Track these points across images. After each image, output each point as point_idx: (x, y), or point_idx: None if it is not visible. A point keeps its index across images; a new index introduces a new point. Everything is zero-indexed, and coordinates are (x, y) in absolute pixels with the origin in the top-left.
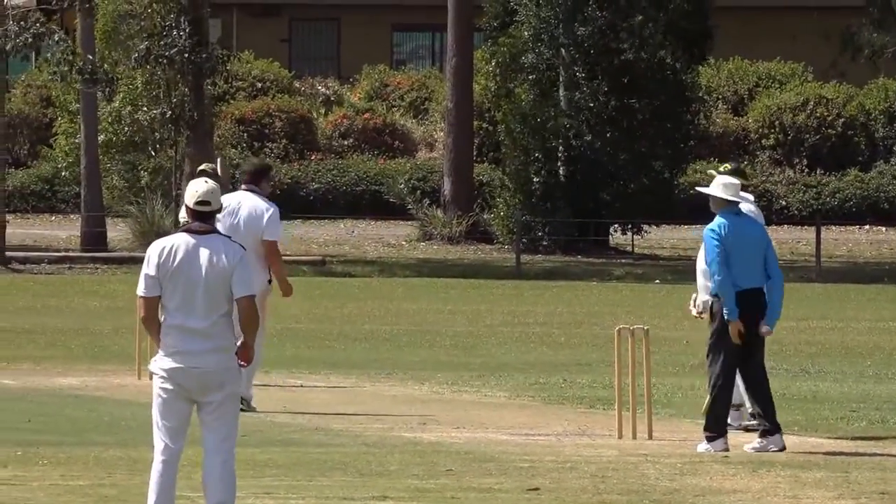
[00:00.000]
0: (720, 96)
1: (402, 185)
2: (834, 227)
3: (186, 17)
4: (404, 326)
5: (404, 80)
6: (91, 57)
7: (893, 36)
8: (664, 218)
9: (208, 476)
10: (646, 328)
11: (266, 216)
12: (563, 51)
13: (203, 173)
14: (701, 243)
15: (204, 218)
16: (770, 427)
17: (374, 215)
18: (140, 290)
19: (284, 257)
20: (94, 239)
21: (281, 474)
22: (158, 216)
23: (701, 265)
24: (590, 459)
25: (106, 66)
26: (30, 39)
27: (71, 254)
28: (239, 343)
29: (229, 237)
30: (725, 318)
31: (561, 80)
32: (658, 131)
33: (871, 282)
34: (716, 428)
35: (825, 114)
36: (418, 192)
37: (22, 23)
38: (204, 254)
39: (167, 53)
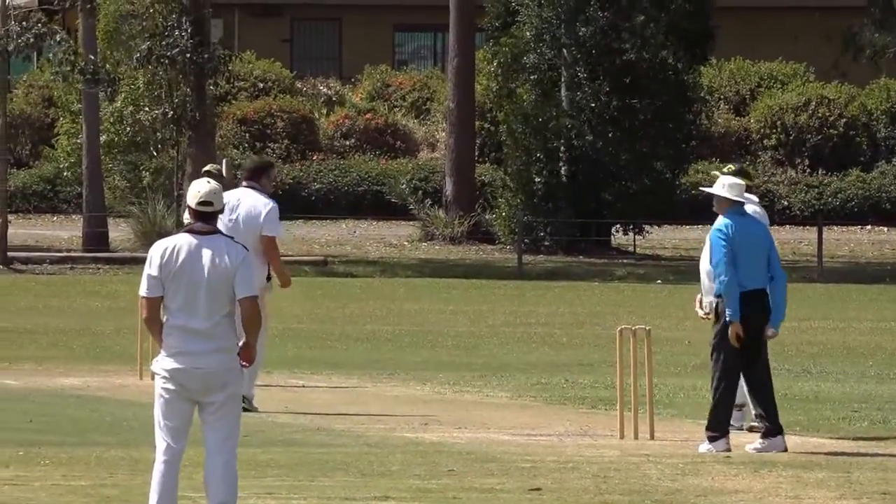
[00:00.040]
0: (722, 96)
1: (404, 186)
2: (836, 228)
3: (188, 18)
4: (406, 327)
5: (406, 80)
6: (93, 57)
7: (895, 36)
8: (666, 218)
9: (210, 476)
10: (647, 328)
11: (264, 212)
12: (564, 51)
13: (208, 174)
14: (703, 244)
15: (206, 218)
16: (772, 428)
17: (375, 215)
18: (142, 290)
19: (286, 257)
20: (96, 239)
21: (283, 474)
22: (160, 216)
23: (705, 266)
24: (592, 460)
25: (108, 66)
26: (31, 40)
27: (73, 254)
28: (241, 343)
29: (232, 238)
30: (727, 319)
31: (563, 80)
32: (660, 131)
33: (873, 282)
34: (718, 428)
35: (827, 114)
36: (420, 192)
37: (24, 23)
38: (206, 254)
39: (169, 53)
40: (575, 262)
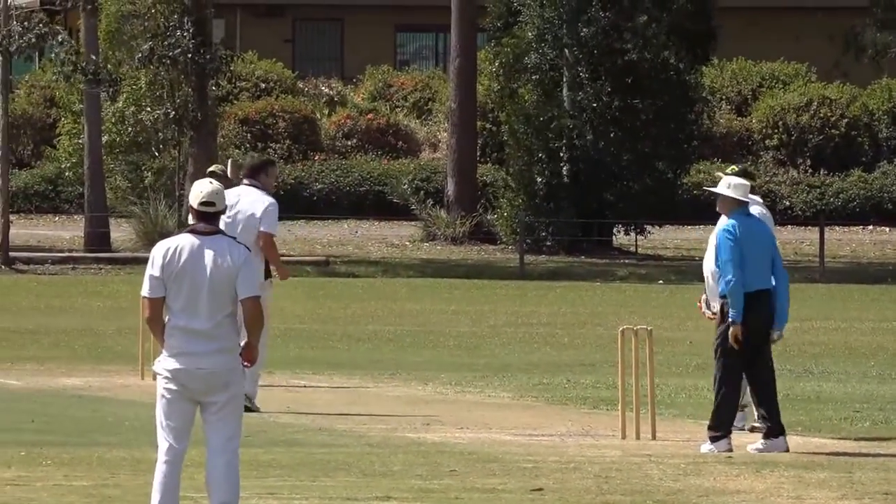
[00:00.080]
0: (724, 97)
1: (406, 186)
2: (837, 228)
3: (190, 18)
4: (408, 327)
5: (408, 80)
6: (94, 57)
7: None
8: (667, 218)
9: (212, 476)
10: (649, 328)
11: (262, 209)
12: (566, 51)
13: (212, 174)
14: (705, 244)
15: (208, 219)
16: (774, 428)
17: (377, 216)
18: (144, 290)
19: (288, 257)
20: (98, 239)
21: (284, 474)
22: (162, 217)
23: (710, 266)
24: (593, 460)
25: (109, 66)
26: (33, 40)
27: (74, 254)
28: (243, 343)
29: (234, 238)
30: (730, 319)
31: (564, 80)
32: (661, 132)
33: (875, 282)
34: (720, 428)
35: (829, 114)
36: (422, 192)
37: (25, 23)
38: (209, 255)
39: (171, 54)
40: (577, 263)
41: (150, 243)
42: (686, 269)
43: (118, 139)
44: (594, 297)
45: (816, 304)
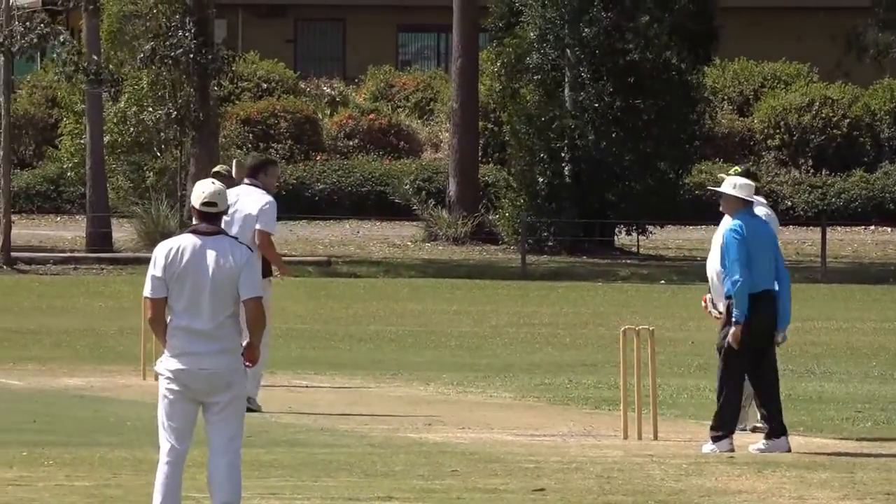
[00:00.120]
0: (725, 97)
1: (408, 186)
2: (839, 228)
3: (192, 18)
4: (409, 327)
5: (409, 80)
6: (96, 57)
7: None
8: (669, 218)
9: (214, 477)
10: (651, 329)
11: (258, 207)
12: (568, 51)
13: (217, 175)
14: (706, 244)
15: (210, 219)
16: (776, 429)
17: (379, 216)
18: (147, 291)
19: (290, 257)
20: (100, 239)
21: (286, 475)
22: (164, 217)
23: (715, 266)
24: (595, 460)
25: (111, 66)
26: (35, 40)
27: (76, 254)
28: (245, 343)
29: (236, 238)
30: (734, 318)
31: (566, 80)
32: (663, 132)
33: (877, 282)
34: (723, 428)
35: (830, 114)
36: (423, 192)
37: (27, 23)
38: (211, 255)
39: (172, 54)
40: (578, 263)
41: (151, 243)
42: (688, 270)
43: (120, 139)
44: (596, 297)
45: (818, 304)
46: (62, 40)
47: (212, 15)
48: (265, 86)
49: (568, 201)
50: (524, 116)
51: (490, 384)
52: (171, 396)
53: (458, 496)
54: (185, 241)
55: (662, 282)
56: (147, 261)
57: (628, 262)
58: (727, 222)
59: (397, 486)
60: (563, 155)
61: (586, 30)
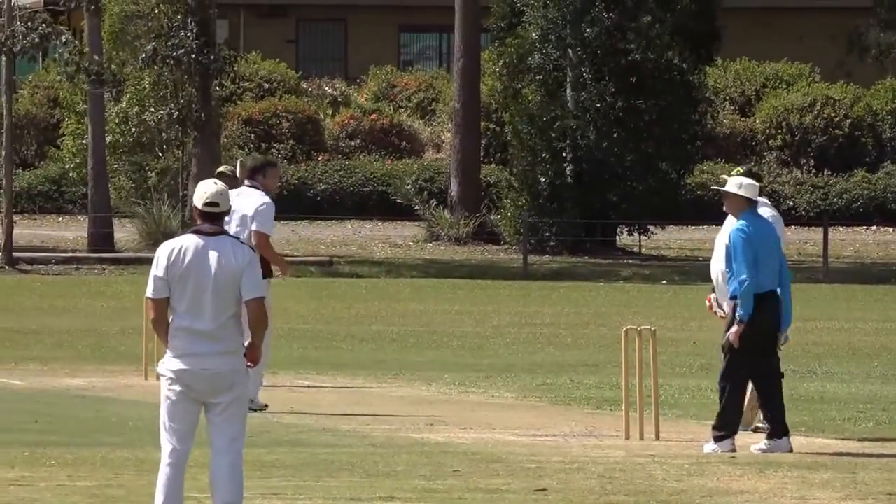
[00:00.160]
0: (727, 97)
1: (410, 186)
2: (841, 228)
3: (193, 18)
4: (411, 327)
5: (411, 80)
6: (98, 57)
7: None
8: (671, 219)
9: (216, 477)
10: (653, 329)
11: (254, 208)
12: (570, 51)
13: (221, 175)
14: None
15: (213, 219)
16: (778, 429)
17: (381, 216)
18: (149, 291)
19: (292, 257)
20: (102, 240)
21: (288, 475)
22: (165, 217)
23: (719, 267)
24: (597, 460)
25: (113, 66)
26: (37, 40)
27: (78, 254)
28: (247, 343)
29: (238, 238)
30: (737, 317)
31: (568, 80)
32: (665, 132)
33: (879, 282)
34: (725, 428)
35: (832, 114)
36: (425, 192)
37: (29, 23)
38: (213, 255)
39: (174, 54)
40: (580, 263)
41: (153, 244)
42: (689, 270)
43: (122, 139)
44: (598, 297)
45: (820, 304)
46: (64, 40)
47: (213, 15)
48: (267, 86)
49: (570, 201)
50: (526, 116)
51: (492, 384)
52: (173, 397)
53: (459, 496)
54: (188, 242)
55: (664, 282)
56: (149, 261)
57: (630, 262)
58: (731, 222)
59: (399, 486)
60: (564, 155)
61: (588, 30)
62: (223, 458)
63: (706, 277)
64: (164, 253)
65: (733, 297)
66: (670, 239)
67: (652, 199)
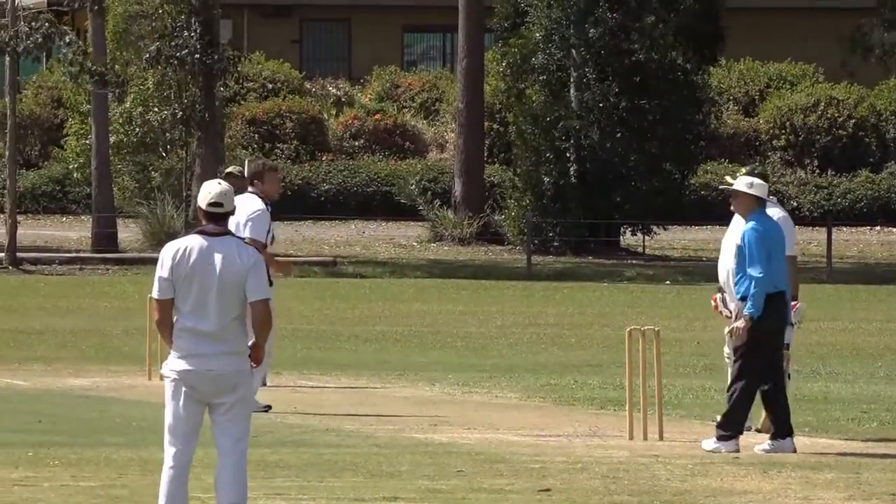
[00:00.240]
0: (731, 97)
1: (413, 186)
2: (845, 228)
3: (197, 18)
4: (415, 327)
5: (415, 80)
6: (102, 58)
7: None
8: (675, 219)
9: (220, 477)
10: (657, 329)
11: (246, 217)
12: (573, 52)
13: (230, 175)
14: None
15: (217, 219)
16: (782, 429)
17: (384, 216)
18: (154, 292)
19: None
20: (105, 240)
21: (292, 475)
22: (169, 217)
23: (728, 266)
24: (601, 460)
25: (117, 67)
26: (40, 40)
27: (82, 255)
28: (250, 343)
29: (243, 239)
30: (748, 313)
31: (572, 80)
32: (669, 132)
33: (882, 283)
34: (731, 428)
35: (836, 115)
36: (429, 192)
37: (33, 24)
38: (218, 256)
39: (178, 54)
40: (584, 263)
41: (157, 244)
42: (693, 270)
43: (125, 140)
44: (601, 297)
45: (824, 304)
46: (68, 41)
47: (217, 15)
48: (271, 86)
49: (573, 202)
50: (530, 117)
51: (495, 384)
52: (177, 398)
53: (463, 496)
54: (193, 242)
55: (668, 282)
56: (152, 261)
57: (634, 262)
58: (739, 222)
59: (403, 486)
60: (568, 155)
61: (592, 30)
62: (227, 458)
63: (710, 278)
64: (168, 253)
65: (743, 298)
66: (674, 239)
67: (656, 200)
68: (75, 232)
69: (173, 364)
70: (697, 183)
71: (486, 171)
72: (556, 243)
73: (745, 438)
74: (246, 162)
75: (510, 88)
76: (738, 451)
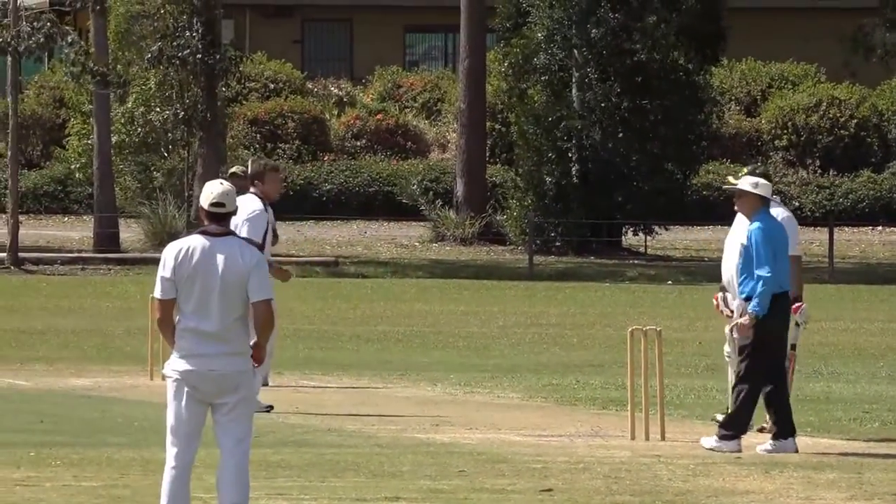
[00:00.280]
0: (733, 97)
1: (415, 186)
2: (847, 228)
3: (199, 18)
4: (417, 328)
5: (417, 80)
6: (103, 58)
7: None
8: (676, 219)
9: (222, 477)
10: (658, 329)
11: (242, 218)
12: (575, 52)
13: (234, 175)
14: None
15: (219, 220)
16: (783, 429)
17: (386, 216)
18: (156, 292)
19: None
20: (107, 240)
21: (294, 475)
22: (171, 217)
23: (731, 265)
24: (602, 460)
25: (119, 66)
26: (42, 40)
27: (84, 255)
28: (252, 343)
29: (246, 239)
30: (751, 310)
31: (573, 80)
32: (670, 132)
33: (884, 283)
34: (734, 428)
35: (838, 115)
36: (431, 192)
37: (34, 24)
38: (220, 256)
39: (180, 54)
40: (586, 263)
41: (159, 244)
42: (695, 270)
43: (127, 140)
44: (603, 297)
45: (826, 304)
46: (70, 41)
47: (219, 15)
48: (272, 86)
49: (575, 202)
50: (531, 117)
51: (497, 385)
52: (179, 398)
53: (465, 496)
54: (195, 242)
55: (670, 282)
56: (154, 261)
57: (636, 262)
58: (742, 222)
59: (404, 486)
60: (570, 155)
61: (594, 30)
62: (229, 458)
63: (712, 278)
64: (170, 254)
65: (748, 298)
66: (676, 239)
67: (657, 200)
68: (77, 232)
69: (175, 364)
70: (699, 183)
71: (488, 172)
72: (557, 243)
73: (747, 438)
74: (249, 162)
75: (512, 88)
76: (740, 450)
